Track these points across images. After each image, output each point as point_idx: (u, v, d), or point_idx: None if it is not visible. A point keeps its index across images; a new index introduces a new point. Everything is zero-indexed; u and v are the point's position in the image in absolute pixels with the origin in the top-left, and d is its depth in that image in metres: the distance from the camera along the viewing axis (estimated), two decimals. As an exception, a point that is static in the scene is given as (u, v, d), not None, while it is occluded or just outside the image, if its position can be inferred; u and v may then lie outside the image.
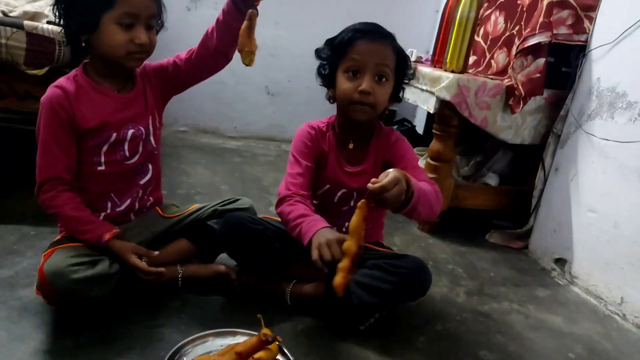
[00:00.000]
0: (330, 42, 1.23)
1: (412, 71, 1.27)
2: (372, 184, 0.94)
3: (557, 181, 1.80)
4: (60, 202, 1.10)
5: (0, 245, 1.32)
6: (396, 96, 1.27)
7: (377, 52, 1.16)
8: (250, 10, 1.05)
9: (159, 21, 1.15)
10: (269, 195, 2.02)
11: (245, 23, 1.05)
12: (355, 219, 0.98)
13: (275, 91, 2.87)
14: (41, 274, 1.00)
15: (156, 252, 1.16)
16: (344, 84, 1.18)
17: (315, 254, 1.02)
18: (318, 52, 1.26)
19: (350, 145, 1.27)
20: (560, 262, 1.74)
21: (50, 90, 1.10)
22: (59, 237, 1.16)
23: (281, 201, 1.21)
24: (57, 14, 1.10)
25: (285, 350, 1.01)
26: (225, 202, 1.35)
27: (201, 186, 2.01)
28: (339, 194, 1.29)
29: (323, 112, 1.27)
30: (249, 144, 2.79)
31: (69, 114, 1.09)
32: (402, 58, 1.22)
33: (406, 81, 1.27)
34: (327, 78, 1.26)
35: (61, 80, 1.12)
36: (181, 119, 2.78)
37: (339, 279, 0.97)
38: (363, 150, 1.27)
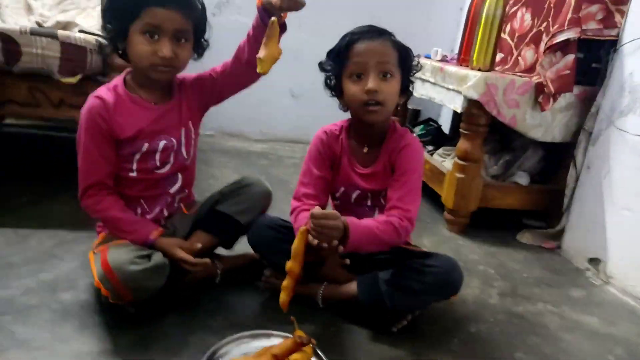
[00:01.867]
0: (330, 53, 1.24)
1: (416, 63, 1.26)
2: (315, 211, 1.04)
3: (590, 179, 1.76)
4: (105, 205, 1.15)
5: (40, 249, 1.36)
6: (405, 90, 1.26)
7: (377, 50, 1.16)
8: (272, 18, 1.05)
9: (201, 39, 1.18)
10: (296, 197, 2.02)
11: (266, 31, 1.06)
12: (296, 243, 1.06)
13: (300, 93, 2.89)
14: (107, 267, 1.03)
15: (199, 245, 1.20)
16: (350, 88, 1.19)
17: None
18: (321, 65, 1.26)
19: (365, 149, 1.28)
20: (595, 261, 1.70)
21: (91, 100, 1.14)
22: (99, 238, 1.20)
23: (291, 214, 1.26)
24: (103, 21, 1.15)
25: (320, 353, 1.02)
26: (230, 183, 1.35)
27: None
28: (354, 195, 1.30)
29: (347, 113, 1.28)
30: (274, 146, 2.81)
31: (107, 124, 1.12)
32: (403, 52, 1.21)
33: (412, 74, 1.26)
34: (334, 88, 1.26)
35: (101, 91, 1.15)
36: (208, 123, 2.79)
37: (283, 297, 1.06)
38: (375, 152, 1.27)
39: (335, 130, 1.31)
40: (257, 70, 1.06)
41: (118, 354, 1.01)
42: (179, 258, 1.14)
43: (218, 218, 1.29)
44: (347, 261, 1.11)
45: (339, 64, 1.21)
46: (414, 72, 1.26)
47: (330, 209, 1.36)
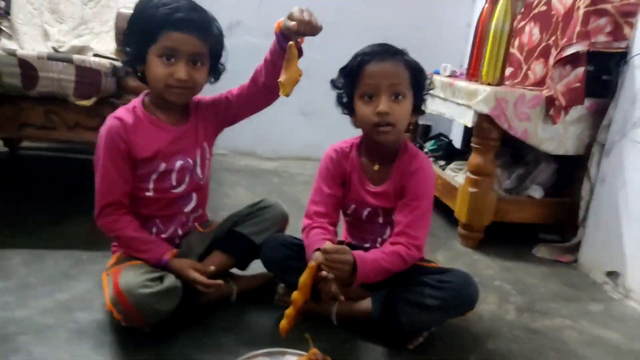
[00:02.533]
0: (342, 71, 1.24)
1: (429, 81, 1.26)
2: (327, 246, 1.07)
3: (605, 192, 1.74)
4: (121, 225, 1.16)
5: (55, 270, 1.37)
6: (417, 109, 1.26)
7: (388, 72, 1.16)
8: (289, 42, 1.08)
9: (218, 63, 1.20)
10: (308, 214, 2.03)
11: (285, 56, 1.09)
12: (304, 276, 1.07)
13: (310, 111, 2.91)
14: (117, 290, 1.04)
15: (212, 267, 1.20)
16: (361, 109, 1.19)
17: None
18: (333, 83, 1.27)
19: (376, 167, 1.28)
20: (613, 275, 1.67)
21: (110, 120, 1.16)
22: (113, 259, 1.21)
23: (303, 232, 1.27)
24: (122, 44, 1.18)
25: (336, 370, 1.01)
26: (249, 205, 1.37)
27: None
28: (365, 212, 1.29)
29: (357, 130, 1.29)
30: (286, 164, 2.83)
31: (125, 144, 1.15)
32: (416, 72, 1.21)
33: (425, 93, 1.25)
34: (346, 106, 1.26)
35: (120, 112, 1.18)
36: (220, 142, 2.78)
37: (283, 324, 1.07)
38: (387, 170, 1.27)
39: (346, 148, 1.31)
40: (280, 94, 1.10)
41: (134, 373, 1.01)
42: (192, 279, 1.15)
43: (234, 238, 1.29)
44: (342, 298, 1.12)
45: (351, 83, 1.21)
46: (427, 91, 1.26)
47: (342, 226, 1.37)
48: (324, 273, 1.06)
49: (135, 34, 1.14)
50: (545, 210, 1.93)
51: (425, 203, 1.23)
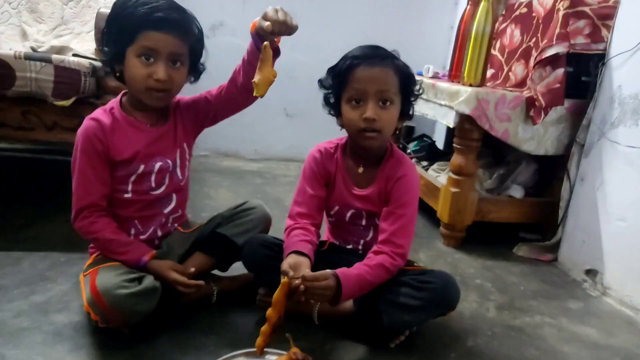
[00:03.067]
0: (331, 71, 1.23)
1: (418, 87, 1.25)
2: (306, 274, 1.05)
3: (584, 191, 1.77)
4: (99, 227, 1.14)
5: (32, 272, 1.35)
6: (406, 114, 1.25)
7: (377, 77, 1.14)
8: (264, 42, 1.06)
9: (197, 62, 1.19)
10: (291, 215, 2.02)
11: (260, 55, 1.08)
12: (277, 294, 1.04)
13: (294, 113, 2.91)
14: (95, 291, 1.02)
15: (192, 269, 1.18)
16: (348, 113, 1.18)
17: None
18: (321, 82, 1.26)
19: (360, 169, 1.27)
20: (592, 273, 1.70)
21: (87, 122, 1.14)
22: (90, 260, 1.19)
23: (285, 232, 1.26)
24: (100, 43, 1.16)
25: (316, 369, 1.01)
26: (232, 207, 1.36)
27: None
28: (348, 214, 1.29)
29: (341, 132, 1.28)
30: (269, 165, 2.82)
31: (103, 145, 1.13)
32: (405, 77, 1.19)
33: (413, 99, 1.24)
34: (333, 107, 1.25)
35: (98, 113, 1.16)
36: (202, 143, 2.83)
37: (259, 342, 1.04)
38: (372, 174, 1.26)
39: (330, 149, 1.30)
40: (254, 94, 1.07)
41: (111, 375, 0.99)
42: (172, 280, 1.13)
43: (216, 239, 1.28)
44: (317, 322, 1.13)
45: (339, 85, 1.19)
46: (416, 97, 1.25)
47: (325, 226, 1.36)
48: (302, 298, 1.05)
49: (114, 33, 1.12)
50: (525, 210, 1.95)
51: (410, 211, 1.22)
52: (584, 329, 1.41)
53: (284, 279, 1.04)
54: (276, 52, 1.11)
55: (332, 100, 1.25)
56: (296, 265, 1.10)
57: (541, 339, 1.33)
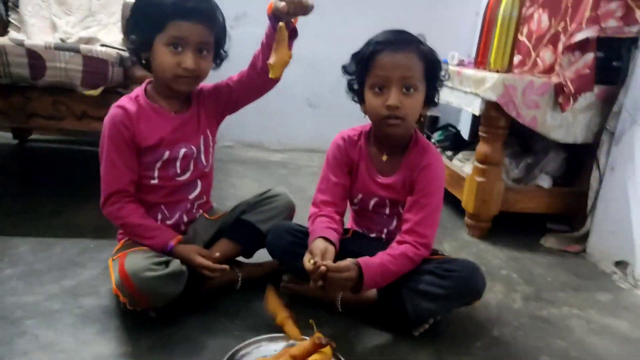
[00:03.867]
0: (354, 57, 1.21)
1: (444, 73, 1.22)
2: (329, 265, 1.05)
3: (614, 180, 1.72)
4: (127, 212, 1.17)
5: (62, 257, 1.39)
6: (430, 101, 1.22)
7: (401, 64, 1.12)
8: (280, 23, 1.06)
9: (221, 50, 1.20)
10: (314, 204, 2.03)
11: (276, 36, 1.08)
12: (268, 302, 1.14)
13: (317, 103, 2.91)
14: (123, 274, 1.05)
15: (218, 254, 1.20)
16: (371, 100, 1.16)
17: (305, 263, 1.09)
18: (345, 68, 1.24)
19: (384, 157, 1.26)
20: (622, 264, 1.65)
21: (113, 109, 1.17)
22: (119, 245, 1.21)
23: (309, 220, 1.26)
24: (126, 31, 1.17)
25: (339, 356, 1.01)
26: (257, 194, 1.38)
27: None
28: (372, 202, 1.28)
29: (364, 121, 1.27)
30: (293, 156, 2.83)
31: (129, 132, 1.15)
32: (430, 62, 1.16)
33: (439, 85, 1.21)
34: (357, 93, 1.23)
35: (123, 101, 1.18)
36: (227, 134, 2.85)
37: (289, 331, 1.08)
38: (396, 162, 1.25)
39: (354, 136, 1.29)
40: (270, 76, 1.07)
41: (139, 357, 1.02)
42: (198, 264, 1.15)
43: (241, 226, 1.30)
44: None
45: (362, 71, 1.18)
46: (441, 83, 1.22)
47: (349, 215, 1.36)
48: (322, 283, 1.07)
49: (141, 21, 1.13)
50: (553, 200, 1.91)
51: (435, 200, 1.21)
52: (613, 322, 1.37)
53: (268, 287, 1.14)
54: (293, 33, 1.11)
55: (355, 86, 1.24)
56: (323, 251, 1.10)
57: (569, 330, 1.30)
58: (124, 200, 1.17)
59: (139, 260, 1.07)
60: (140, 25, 1.14)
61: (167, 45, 1.10)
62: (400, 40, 1.14)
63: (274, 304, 1.13)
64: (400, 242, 1.18)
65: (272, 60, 1.06)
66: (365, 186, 1.27)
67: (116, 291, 1.07)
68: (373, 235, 1.32)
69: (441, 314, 1.22)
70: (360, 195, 1.29)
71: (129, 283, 1.04)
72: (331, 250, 1.13)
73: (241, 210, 1.34)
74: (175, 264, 1.10)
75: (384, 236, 1.31)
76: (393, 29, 1.18)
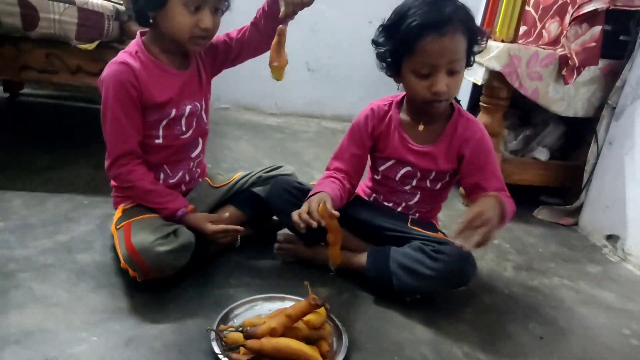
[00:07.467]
0: (389, 31, 1.13)
1: (485, 37, 1.15)
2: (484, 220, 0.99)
3: (611, 155, 1.72)
4: (137, 176, 1.14)
5: (56, 212, 1.37)
6: (467, 65, 1.16)
7: (448, 48, 1.05)
8: (280, 26, 1.08)
9: (226, 2, 1.16)
10: (310, 169, 2.02)
11: (275, 39, 1.10)
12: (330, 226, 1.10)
13: (316, 67, 2.86)
14: (132, 250, 1.03)
15: (226, 214, 1.21)
16: (414, 83, 1.11)
17: (294, 216, 1.07)
18: (376, 43, 1.17)
19: (421, 127, 1.22)
20: (612, 238, 1.67)
21: (116, 67, 1.10)
22: (119, 211, 1.17)
23: (321, 179, 1.26)
24: None
25: (333, 317, 1.02)
26: (268, 169, 1.38)
27: (244, 160, 2.03)
28: (401, 171, 1.25)
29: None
30: (289, 120, 2.80)
31: (137, 91, 1.10)
32: (473, 34, 1.10)
33: (478, 49, 1.15)
34: (390, 67, 1.16)
35: (124, 57, 1.12)
36: (223, 96, 2.81)
37: (331, 253, 1.14)
38: (435, 131, 1.21)
39: (385, 106, 1.25)
40: (273, 78, 1.12)
41: (133, 312, 1.02)
42: (210, 232, 1.15)
43: (250, 198, 1.31)
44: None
45: (401, 50, 1.10)
46: (480, 50, 1.16)
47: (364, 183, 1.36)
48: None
49: None
50: (549, 173, 1.91)
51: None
52: (601, 293, 1.40)
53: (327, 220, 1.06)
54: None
55: (388, 59, 1.15)
56: (320, 200, 1.09)
57: (558, 299, 1.32)
58: (133, 162, 1.14)
59: (146, 235, 1.04)
60: None
61: (185, 5, 1.05)
62: (444, 20, 1.05)
63: (326, 216, 1.07)
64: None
65: (276, 62, 1.09)
66: (398, 153, 1.23)
67: (125, 266, 1.06)
68: (390, 204, 1.30)
69: (426, 293, 1.20)
70: (389, 163, 1.25)
71: (139, 259, 1.02)
72: (328, 199, 1.10)
73: (252, 182, 1.34)
74: (185, 236, 1.09)
75: (400, 210, 1.29)
76: (432, 3, 1.07)
